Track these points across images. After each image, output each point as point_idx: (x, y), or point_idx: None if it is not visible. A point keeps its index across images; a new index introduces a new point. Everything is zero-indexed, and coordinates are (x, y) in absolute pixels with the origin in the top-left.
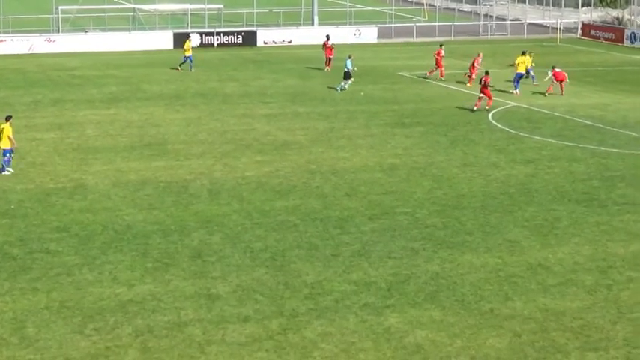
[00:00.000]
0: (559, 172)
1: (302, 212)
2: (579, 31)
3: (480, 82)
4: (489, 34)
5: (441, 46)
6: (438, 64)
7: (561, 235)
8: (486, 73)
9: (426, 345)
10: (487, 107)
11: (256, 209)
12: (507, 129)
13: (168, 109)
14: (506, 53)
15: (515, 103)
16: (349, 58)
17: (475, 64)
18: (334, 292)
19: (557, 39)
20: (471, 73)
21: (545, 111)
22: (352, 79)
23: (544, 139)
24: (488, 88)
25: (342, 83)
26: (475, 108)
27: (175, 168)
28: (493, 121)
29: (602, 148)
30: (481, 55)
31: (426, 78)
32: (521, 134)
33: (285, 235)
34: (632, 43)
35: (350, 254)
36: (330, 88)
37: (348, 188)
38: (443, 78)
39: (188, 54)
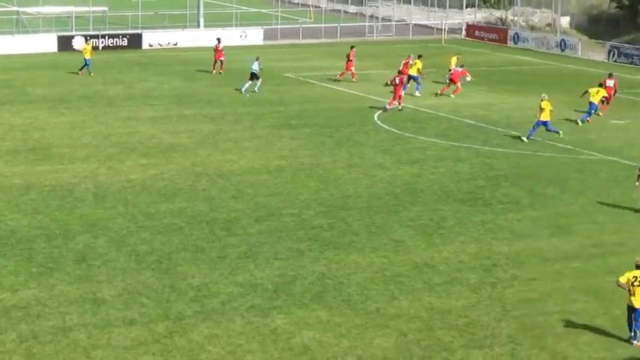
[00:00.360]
0: (444, 171)
1: (188, 215)
2: (464, 32)
3: (391, 83)
4: (375, 35)
5: (351, 47)
6: (347, 67)
7: (446, 235)
8: (399, 72)
9: (313, 346)
10: (388, 107)
11: (142, 212)
12: (393, 129)
13: (53, 113)
14: (390, 54)
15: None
16: (256, 60)
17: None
18: (220, 294)
19: (442, 40)
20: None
21: (430, 111)
22: (260, 80)
23: (429, 139)
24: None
25: (247, 85)
26: (400, 107)
27: (60, 172)
28: (379, 122)
29: (487, 148)
30: (411, 57)
31: (336, 80)
32: (406, 134)
33: (171, 238)
34: (515, 43)
35: (236, 256)
36: (223, 89)
37: (234, 190)
38: (354, 80)
39: (87, 57)
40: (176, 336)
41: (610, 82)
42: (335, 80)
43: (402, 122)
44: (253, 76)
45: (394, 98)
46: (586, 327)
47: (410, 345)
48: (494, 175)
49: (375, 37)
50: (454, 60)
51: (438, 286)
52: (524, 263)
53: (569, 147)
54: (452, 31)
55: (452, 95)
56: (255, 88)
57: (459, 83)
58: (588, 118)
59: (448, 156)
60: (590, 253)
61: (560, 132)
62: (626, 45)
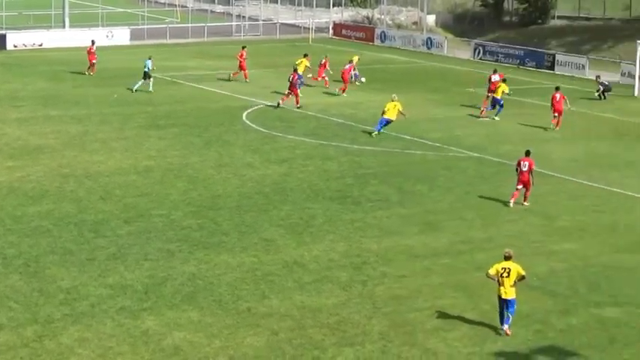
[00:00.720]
0: (313, 170)
1: (56, 217)
2: (331, 31)
3: (289, 80)
4: (242, 34)
5: (243, 47)
6: (241, 66)
7: (316, 233)
8: (295, 70)
9: (185, 346)
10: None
11: (8, 215)
12: (261, 129)
13: None
14: (258, 53)
15: (269, 103)
16: (149, 58)
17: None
18: (90, 296)
19: (309, 39)
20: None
21: (299, 110)
22: (152, 78)
23: (298, 137)
24: (295, 87)
25: (140, 83)
26: (297, 105)
27: None
28: (247, 121)
29: (355, 146)
30: (355, 59)
31: (229, 80)
32: (274, 133)
33: (39, 241)
34: (382, 41)
35: (105, 258)
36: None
37: (102, 191)
38: (247, 80)
39: None
40: (45, 340)
41: (495, 77)
42: (228, 80)
43: (271, 121)
44: (146, 75)
45: (289, 96)
46: (456, 322)
47: (281, 344)
48: (362, 173)
49: (242, 37)
50: (355, 59)
51: (309, 285)
52: (393, 260)
53: (438, 144)
54: (319, 29)
55: (341, 92)
56: (150, 88)
57: (348, 83)
58: (494, 116)
59: (317, 154)
60: (459, 249)
61: (374, 134)
62: (491, 43)
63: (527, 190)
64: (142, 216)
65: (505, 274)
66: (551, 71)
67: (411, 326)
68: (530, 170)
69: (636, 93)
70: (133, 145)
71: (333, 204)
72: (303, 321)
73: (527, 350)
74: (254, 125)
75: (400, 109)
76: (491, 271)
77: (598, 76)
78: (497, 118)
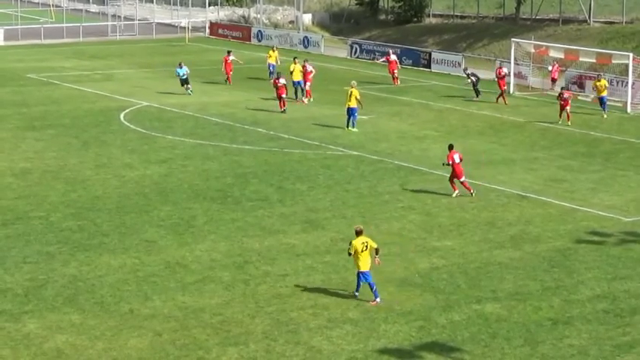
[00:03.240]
0: (193, 170)
1: None
2: (207, 30)
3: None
4: (118, 34)
5: (228, 52)
6: (226, 70)
7: (198, 233)
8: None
9: (67, 349)
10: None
11: None
12: (140, 129)
13: None
14: (134, 53)
15: (146, 103)
16: (180, 66)
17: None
18: None
19: (185, 38)
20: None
21: (176, 110)
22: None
23: (177, 137)
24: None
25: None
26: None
27: None
28: (125, 122)
29: (234, 145)
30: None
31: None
32: (153, 134)
33: None
34: (259, 40)
35: None
36: None
37: None
38: (230, 84)
39: None
40: None
41: (393, 57)
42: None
43: (149, 121)
44: (183, 82)
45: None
46: (339, 320)
47: (165, 345)
48: (242, 172)
49: (117, 37)
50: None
51: (191, 285)
52: (275, 259)
53: (316, 143)
54: (195, 29)
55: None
56: (189, 92)
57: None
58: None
59: (196, 154)
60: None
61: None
62: (368, 41)
63: (460, 179)
64: (20, 218)
65: (364, 248)
66: (428, 69)
67: (295, 325)
68: (461, 160)
69: (512, 90)
70: (8, 147)
71: (214, 204)
72: (186, 321)
73: (410, 347)
74: (132, 125)
75: (357, 97)
76: (356, 248)
77: (466, 69)
78: (354, 129)
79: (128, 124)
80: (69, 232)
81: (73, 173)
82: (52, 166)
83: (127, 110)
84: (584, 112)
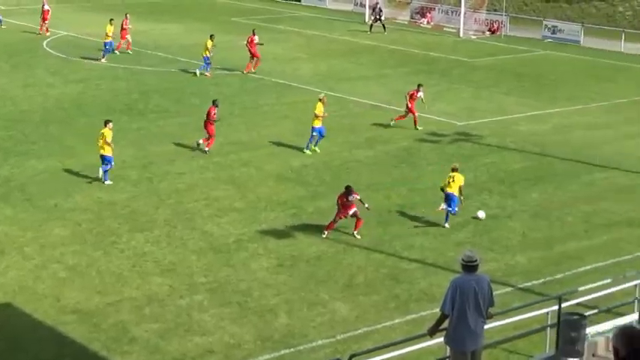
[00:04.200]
0: (105, 88)
1: None
2: None
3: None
4: None
5: (253, 32)
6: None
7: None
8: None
9: (1, 238)
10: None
11: None
12: (61, 55)
13: None
14: None
15: (65, 32)
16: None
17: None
18: None
19: None
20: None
21: (93, 39)
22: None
23: (93, 62)
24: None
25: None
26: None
27: None
28: (48, 49)
29: (139, 67)
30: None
31: (254, 73)
32: (72, 59)
33: None
34: None
35: None
36: None
37: None
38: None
39: None
40: None
41: (256, 39)
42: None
43: (68, 49)
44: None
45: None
46: (227, 210)
47: (84, 233)
48: (146, 89)
49: None
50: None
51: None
52: (174, 161)
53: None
54: None
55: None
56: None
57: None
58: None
59: (108, 75)
60: (228, 150)
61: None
62: None
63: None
64: None
65: (451, 180)
66: (298, 2)
67: (191, 214)
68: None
69: (366, 19)
70: None
71: (123, 116)
72: (101, 213)
73: (286, 229)
74: (54, 52)
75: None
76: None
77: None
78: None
79: (51, 51)
80: (1, 141)
81: (4, 92)
82: None
83: (50, 38)
84: (425, 36)
